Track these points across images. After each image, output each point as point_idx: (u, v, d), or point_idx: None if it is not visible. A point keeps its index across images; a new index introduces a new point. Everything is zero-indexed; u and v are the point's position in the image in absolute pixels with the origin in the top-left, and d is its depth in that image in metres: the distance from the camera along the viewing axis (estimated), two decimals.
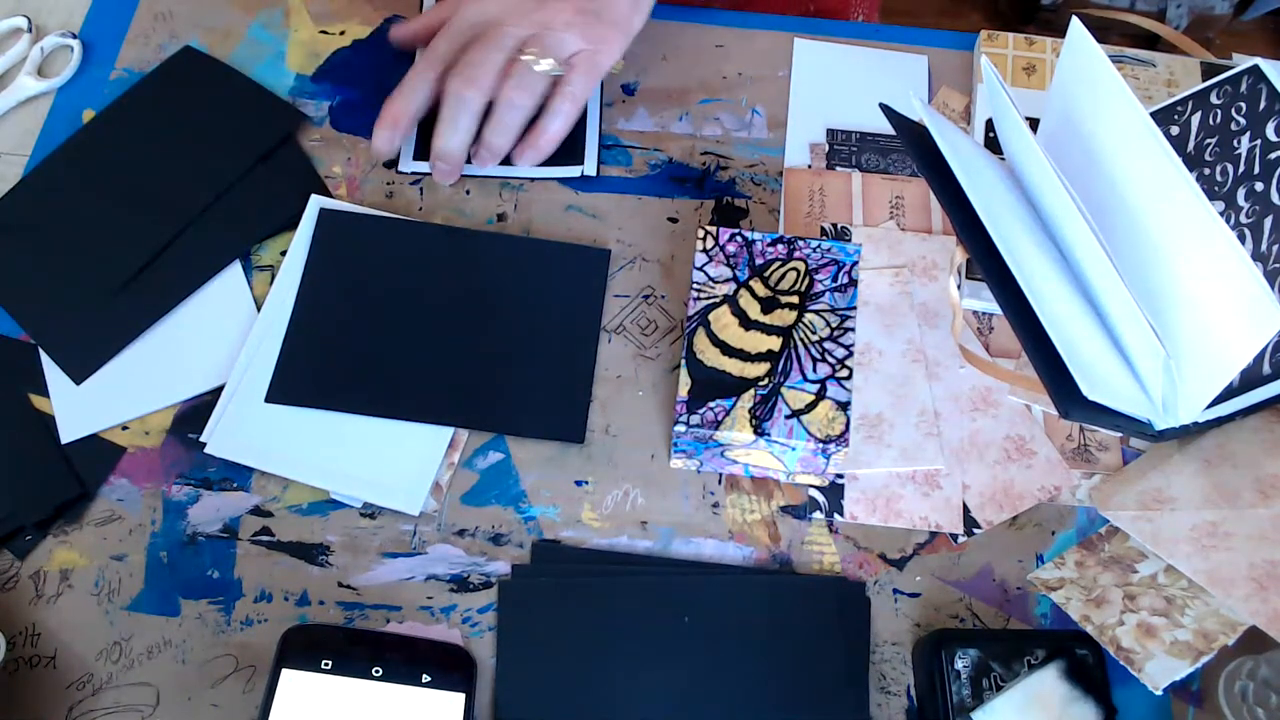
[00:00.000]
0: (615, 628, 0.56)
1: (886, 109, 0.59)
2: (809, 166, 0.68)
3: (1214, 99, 0.60)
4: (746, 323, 0.57)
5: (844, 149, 0.69)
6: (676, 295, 0.65)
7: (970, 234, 0.55)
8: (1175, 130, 0.61)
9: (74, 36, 0.71)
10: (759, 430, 0.54)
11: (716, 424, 0.54)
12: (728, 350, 0.56)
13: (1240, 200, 0.57)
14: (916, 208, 0.67)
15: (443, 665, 0.52)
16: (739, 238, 0.59)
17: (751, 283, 0.58)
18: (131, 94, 0.69)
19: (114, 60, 0.71)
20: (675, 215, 0.67)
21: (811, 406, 0.55)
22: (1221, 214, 0.57)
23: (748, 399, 0.55)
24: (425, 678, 0.51)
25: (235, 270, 0.64)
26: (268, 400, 0.60)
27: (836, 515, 0.59)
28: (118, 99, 0.69)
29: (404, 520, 0.59)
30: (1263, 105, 0.57)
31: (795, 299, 0.58)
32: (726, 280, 0.58)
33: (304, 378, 0.61)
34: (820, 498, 0.59)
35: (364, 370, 0.61)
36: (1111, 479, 0.59)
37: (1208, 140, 0.59)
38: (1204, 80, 0.65)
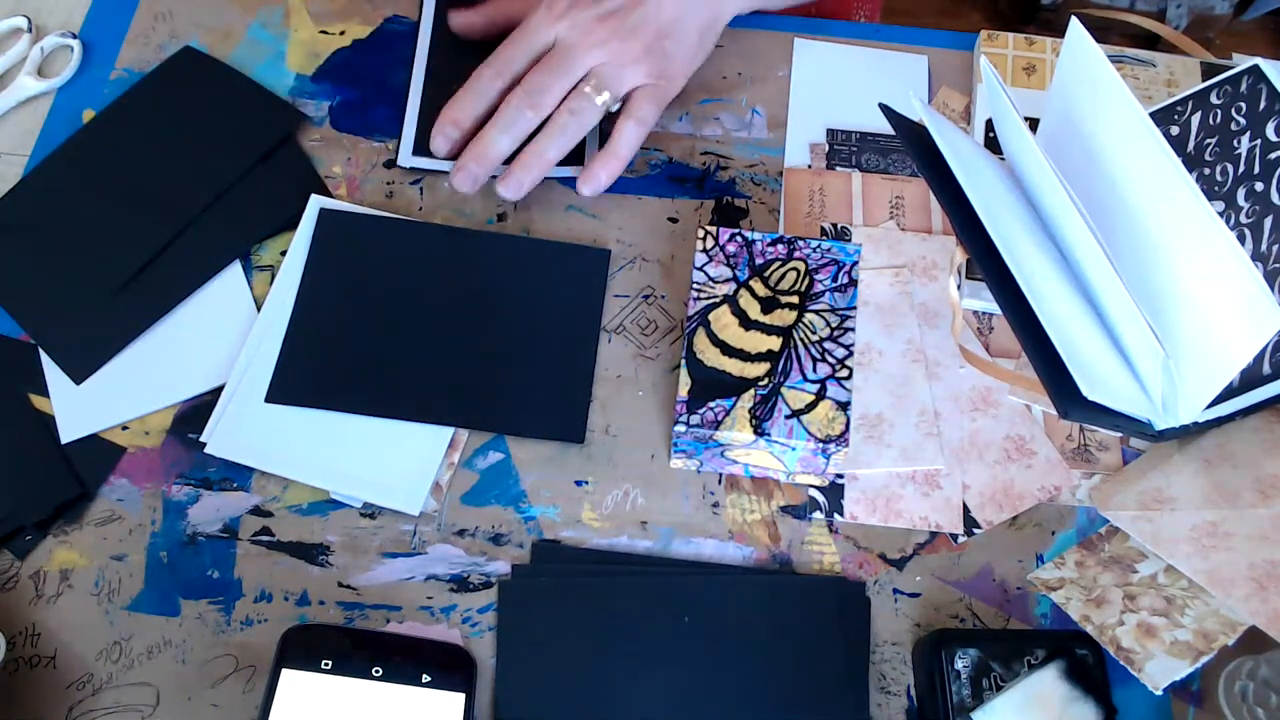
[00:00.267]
0: (615, 628, 0.56)
1: (886, 109, 0.59)
2: (809, 166, 0.68)
3: (1214, 99, 0.60)
4: (746, 323, 0.57)
5: (844, 149, 0.69)
6: (676, 295, 0.65)
7: (970, 234, 0.55)
8: (1175, 130, 0.61)
9: (74, 36, 0.71)
10: (759, 430, 0.54)
11: (716, 424, 0.54)
12: (728, 350, 0.56)
13: (1240, 200, 0.57)
14: (916, 208, 0.67)
15: (443, 665, 0.52)
16: (739, 238, 0.59)
17: (751, 283, 0.58)
18: (131, 94, 0.69)
19: (114, 60, 0.71)
20: (675, 215, 0.67)
21: (811, 406, 0.55)
22: (1221, 214, 0.57)
23: (748, 399, 0.55)
24: (425, 678, 0.51)
25: (235, 270, 0.64)
26: (268, 400, 0.60)
27: (836, 515, 0.59)
28: (118, 99, 0.69)
29: (404, 520, 0.59)
30: (1263, 105, 0.57)
31: (795, 299, 0.58)
32: (726, 280, 0.58)
33: (304, 378, 0.61)
34: (820, 498, 0.59)
35: (364, 370, 0.61)
36: (1111, 479, 0.59)
37: (1208, 140, 0.59)
38: (1204, 80, 0.65)
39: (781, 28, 0.73)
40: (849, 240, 0.65)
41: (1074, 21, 0.54)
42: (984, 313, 0.64)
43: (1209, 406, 0.54)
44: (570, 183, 0.67)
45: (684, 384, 0.55)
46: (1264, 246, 0.56)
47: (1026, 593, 0.58)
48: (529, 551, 0.58)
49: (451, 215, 0.67)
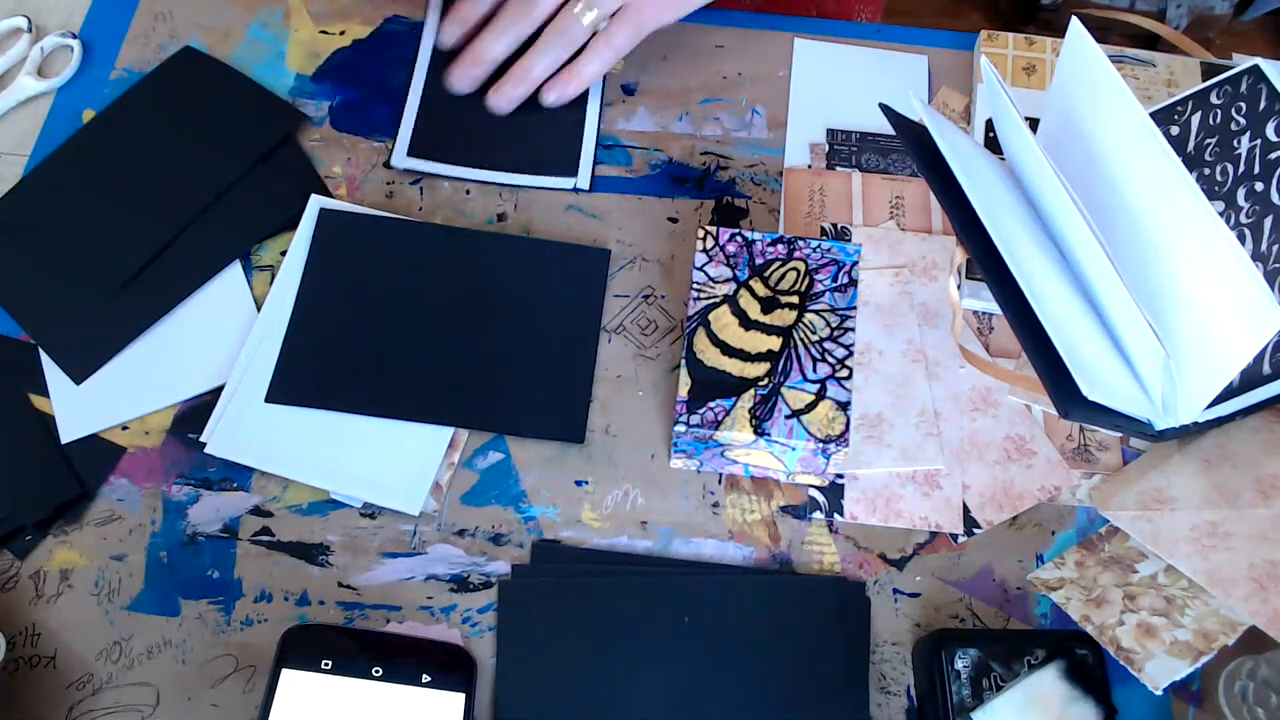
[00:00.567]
0: (615, 628, 0.56)
1: (886, 109, 0.59)
2: (809, 166, 0.68)
3: (1214, 99, 0.60)
4: (746, 323, 0.57)
5: (844, 149, 0.69)
6: (676, 295, 0.65)
7: (970, 234, 0.55)
8: (1175, 130, 0.61)
9: (74, 36, 0.71)
10: (759, 430, 0.54)
11: (716, 424, 0.54)
12: (728, 350, 0.56)
13: (1240, 200, 0.57)
14: (916, 208, 0.67)
15: (443, 665, 0.52)
16: (739, 238, 0.59)
17: (751, 283, 0.58)
18: (131, 94, 0.69)
19: (114, 60, 0.71)
20: (675, 215, 0.67)
21: (811, 406, 0.55)
22: (1221, 214, 0.57)
23: (748, 399, 0.55)
24: (425, 678, 0.51)
25: (235, 270, 0.64)
26: (268, 400, 0.60)
27: (836, 515, 0.59)
28: (118, 99, 0.69)
29: (404, 520, 0.59)
30: (1263, 105, 0.57)
31: (795, 299, 0.58)
32: (726, 280, 0.58)
33: (304, 378, 0.61)
34: (820, 498, 0.59)
35: (364, 370, 0.61)
36: (1111, 479, 0.59)
37: (1208, 140, 0.59)
38: (1204, 80, 0.65)
39: (781, 28, 0.73)
40: (849, 240, 0.65)
41: (1074, 21, 0.54)
42: (984, 313, 0.64)
43: (1209, 406, 0.54)
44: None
45: (684, 384, 0.55)
46: (1264, 246, 0.56)
47: (1026, 593, 0.58)
48: (529, 551, 0.58)
49: (451, 215, 0.67)
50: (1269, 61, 0.58)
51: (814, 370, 0.56)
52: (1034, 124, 0.63)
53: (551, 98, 0.67)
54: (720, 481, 0.60)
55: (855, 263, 0.59)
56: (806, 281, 0.58)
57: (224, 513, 0.58)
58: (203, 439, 0.59)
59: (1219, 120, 0.59)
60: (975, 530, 0.59)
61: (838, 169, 0.68)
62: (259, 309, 0.63)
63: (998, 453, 0.60)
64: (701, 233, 0.59)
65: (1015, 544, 0.59)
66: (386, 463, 0.59)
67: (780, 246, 0.59)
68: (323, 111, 0.70)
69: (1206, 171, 0.59)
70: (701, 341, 0.57)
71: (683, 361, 0.56)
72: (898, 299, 0.64)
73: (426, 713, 0.51)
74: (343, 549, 0.58)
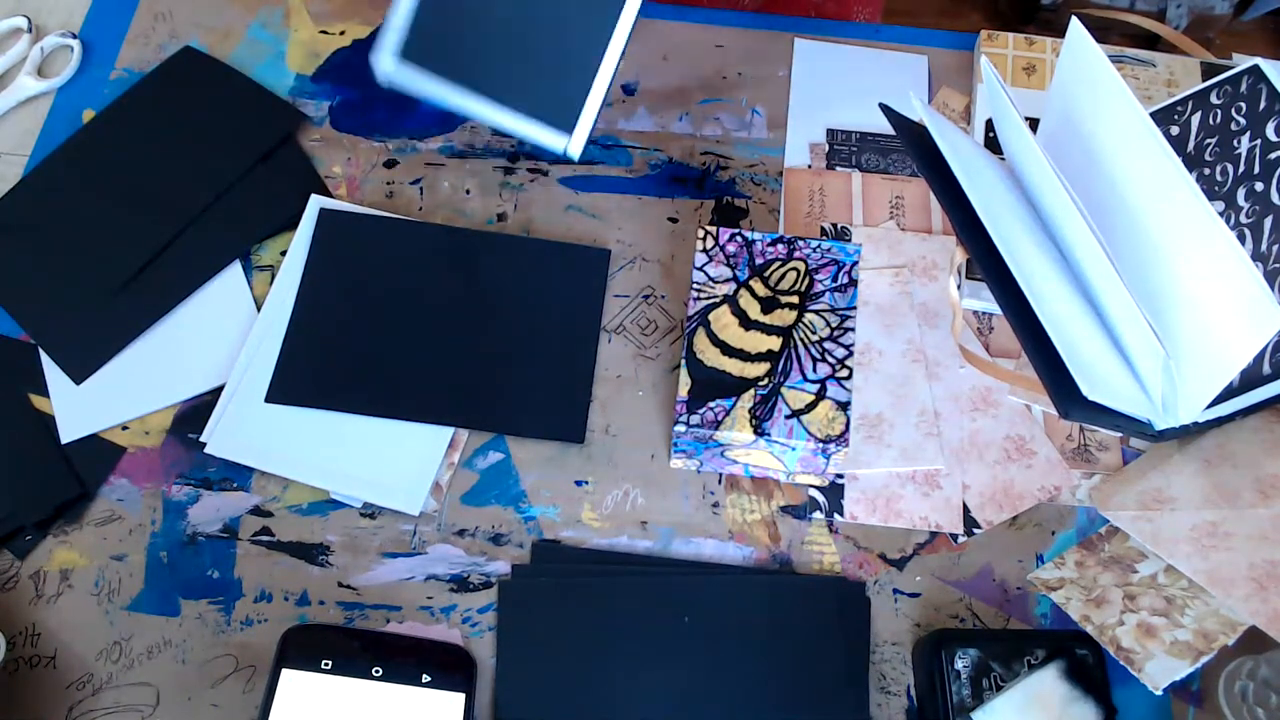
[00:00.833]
0: (615, 628, 0.56)
1: (886, 109, 0.59)
2: (809, 166, 0.68)
3: (1214, 99, 0.60)
4: (746, 323, 0.57)
5: (844, 149, 0.69)
6: (676, 295, 0.65)
7: (970, 234, 0.55)
8: (1175, 130, 0.61)
9: (74, 36, 0.71)
10: (759, 430, 0.54)
11: (716, 424, 0.54)
12: (728, 350, 0.56)
13: (1240, 200, 0.57)
14: (916, 208, 0.67)
15: (443, 665, 0.52)
16: (739, 238, 0.59)
17: (751, 283, 0.58)
18: (131, 94, 0.69)
19: (114, 60, 0.71)
20: (675, 215, 0.67)
21: (811, 406, 0.55)
22: (1221, 214, 0.57)
23: (748, 399, 0.55)
24: (425, 678, 0.51)
25: (235, 270, 0.64)
26: (267, 400, 0.60)
27: (836, 515, 0.59)
28: (118, 99, 0.69)
29: (404, 520, 0.59)
30: (1263, 105, 0.57)
31: (795, 299, 0.58)
32: (726, 280, 0.58)
33: (304, 378, 0.61)
34: (820, 498, 0.59)
35: (364, 370, 0.61)
36: (1111, 479, 0.59)
37: (1208, 140, 0.59)
38: (1204, 80, 0.65)
39: (781, 28, 0.73)
40: (849, 240, 0.65)
41: (1074, 21, 0.54)
42: (984, 313, 0.64)
43: (1209, 406, 0.54)
44: (570, 182, 0.67)
45: (684, 384, 0.55)
46: (1264, 246, 0.56)
47: (1026, 593, 0.58)
48: (529, 551, 0.58)
49: (452, 215, 0.67)
50: (1269, 61, 0.58)
51: (814, 370, 0.56)
52: (1034, 124, 0.63)
53: None
54: (720, 481, 0.60)
55: (855, 263, 0.59)
56: (806, 281, 0.58)
57: (224, 513, 0.58)
58: (203, 439, 0.59)
59: (1219, 120, 0.59)
60: (975, 530, 0.59)
61: (838, 169, 0.68)
62: (259, 309, 0.63)
63: (998, 453, 0.60)
64: (701, 233, 0.59)
65: (1015, 544, 0.59)
66: (386, 463, 0.59)
67: (780, 246, 0.59)
68: (323, 111, 0.70)
69: (1206, 171, 0.59)
70: (701, 341, 0.56)
71: (683, 361, 0.56)
72: (898, 299, 0.64)
73: (426, 713, 0.51)
74: (343, 549, 0.58)
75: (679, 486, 0.60)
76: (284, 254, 0.65)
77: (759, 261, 0.59)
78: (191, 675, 0.55)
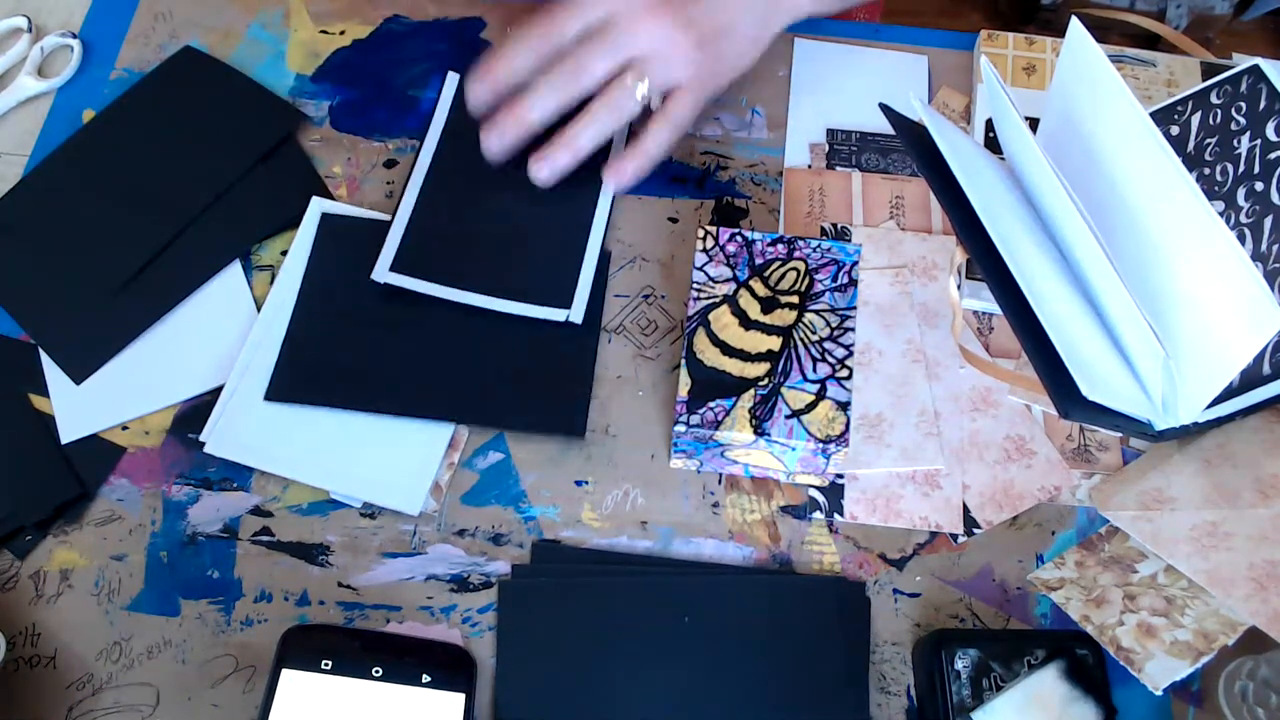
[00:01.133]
0: (615, 628, 0.56)
1: (886, 109, 0.59)
2: (809, 166, 0.68)
3: (1214, 99, 0.60)
4: (746, 323, 0.57)
5: (844, 149, 0.69)
6: (676, 295, 0.65)
7: (970, 234, 0.55)
8: (1175, 130, 0.61)
9: (74, 36, 0.71)
10: (759, 430, 0.54)
11: (716, 424, 0.54)
12: (728, 350, 0.56)
13: (1240, 200, 0.57)
14: (916, 208, 0.67)
15: (443, 665, 0.52)
16: (739, 238, 0.59)
17: (751, 283, 0.58)
18: (131, 94, 0.69)
19: (114, 60, 0.71)
20: (675, 215, 0.67)
21: (811, 406, 0.55)
22: (1221, 214, 0.57)
23: (748, 399, 0.55)
24: (425, 678, 0.51)
25: (235, 270, 0.64)
26: (267, 398, 0.60)
27: (836, 515, 0.59)
28: (118, 99, 0.69)
29: (404, 520, 0.59)
30: (1263, 105, 0.57)
31: (795, 299, 0.58)
32: (726, 280, 0.58)
33: (303, 377, 0.61)
34: (820, 498, 0.59)
35: (364, 369, 0.61)
36: (1111, 479, 0.59)
37: (1208, 140, 0.59)
38: (1204, 80, 0.65)
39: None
40: (849, 240, 0.65)
41: (1074, 21, 0.54)
42: (984, 313, 0.64)
43: (1209, 406, 0.54)
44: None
45: (684, 384, 0.55)
46: (1264, 246, 0.56)
47: (1026, 593, 0.58)
48: (529, 551, 0.58)
49: None
50: (1269, 61, 0.58)
51: (814, 370, 0.56)
52: (1034, 124, 0.63)
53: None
54: (720, 481, 0.60)
55: (855, 263, 0.59)
56: (806, 281, 0.58)
57: (224, 513, 0.58)
58: (202, 439, 0.59)
59: (1219, 120, 0.59)
60: (975, 530, 0.59)
61: (838, 169, 0.68)
62: (259, 309, 0.63)
63: (998, 453, 0.60)
64: (701, 233, 0.59)
65: (1015, 544, 0.59)
66: (386, 462, 0.59)
67: (780, 246, 0.59)
68: (323, 111, 0.70)
69: (1206, 171, 0.59)
70: (701, 341, 0.57)
71: (683, 361, 0.56)
72: (898, 299, 0.64)
73: (426, 713, 0.51)
74: (343, 549, 0.58)
75: (679, 486, 0.60)
76: (284, 254, 0.65)
77: (759, 261, 0.59)
78: (191, 675, 0.55)
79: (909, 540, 0.59)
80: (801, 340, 0.56)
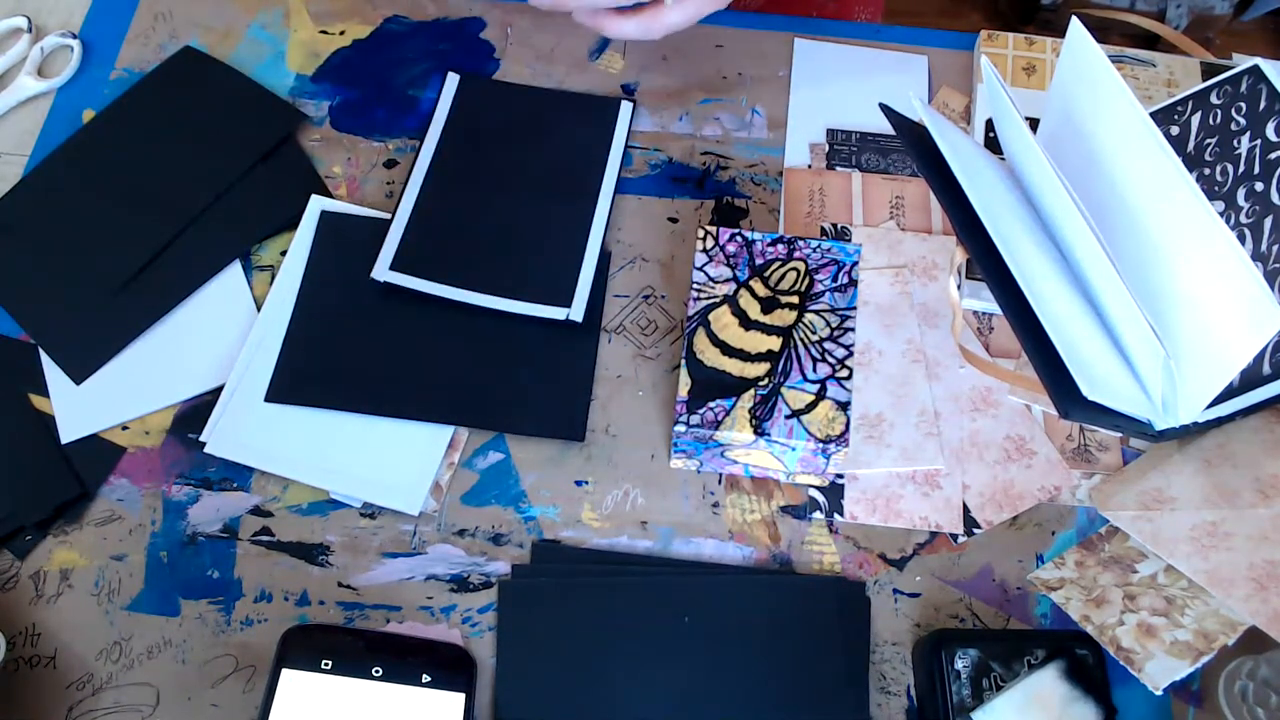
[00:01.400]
0: (615, 628, 0.56)
1: (886, 109, 0.59)
2: (809, 166, 0.68)
3: (1214, 99, 0.60)
4: (746, 323, 0.57)
5: (844, 149, 0.69)
6: (676, 295, 0.65)
7: (970, 234, 0.55)
8: (1175, 130, 0.61)
9: (74, 36, 0.71)
10: (759, 430, 0.54)
11: (716, 424, 0.54)
12: (728, 350, 0.56)
13: (1240, 200, 0.57)
14: (916, 208, 0.67)
15: (443, 665, 0.52)
16: (739, 238, 0.59)
17: (751, 283, 0.58)
18: (131, 94, 0.69)
19: (114, 60, 0.71)
20: (675, 215, 0.67)
21: (811, 406, 0.55)
22: (1221, 214, 0.57)
23: (748, 399, 0.55)
24: (425, 678, 0.51)
25: (235, 270, 0.64)
26: (267, 399, 0.60)
27: (836, 515, 0.59)
28: (118, 99, 0.69)
29: (404, 520, 0.59)
30: (1263, 105, 0.57)
31: (795, 299, 0.58)
32: (726, 280, 0.58)
33: (304, 377, 0.61)
34: (820, 498, 0.59)
35: (364, 370, 0.61)
36: (1111, 479, 0.59)
37: (1208, 140, 0.59)
38: (1204, 80, 0.65)
39: (781, 28, 0.73)
40: (849, 240, 0.65)
41: (1074, 21, 0.54)
42: (984, 313, 0.64)
43: (1209, 406, 0.54)
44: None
45: (684, 384, 0.55)
46: (1264, 246, 0.56)
47: (1026, 593, 0.58)
48: (529, 551, 0.58)
49: None
50: (1269, 61, 0.58)
51: (814, 370, 0.56)
52: (1034, 124, 0.63)
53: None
54: (720, 481, 0.60)
55: (855, 263, 0.59)
56: (806, 281, 0.58)
57: (224, 513, 0.58)
58: (203, 439, 0.59)
59: (1219, 120, 0.59)
60: (975, 530, 0.59)
61: (838, 169, 0.68)
62: (259, 309, 0.63)
63: (998, 453, 0.60)
64: (701, 233, 0.59)
65: (1015, 544, 0.59)
66: (386, 463, 0.59)
67: (780, 246, 0.59)
68: (323, 111, 0.70)
69: (1206, 171, 0.59)
70: (701, 341, 0.57)
71: (683, 361, 0.56)
72: (898, 299, 0.64)
73: (426, 713, 0.51)
74: (343, 549, 0.58)
75: (679, 486, 0.60)
76: (284, 254, 0.65)
77: (759, 261, 0.59)
78: (191, 675, 0.55)
79: (909, 540, 0.59)
80: (801, 340, 0.56)
